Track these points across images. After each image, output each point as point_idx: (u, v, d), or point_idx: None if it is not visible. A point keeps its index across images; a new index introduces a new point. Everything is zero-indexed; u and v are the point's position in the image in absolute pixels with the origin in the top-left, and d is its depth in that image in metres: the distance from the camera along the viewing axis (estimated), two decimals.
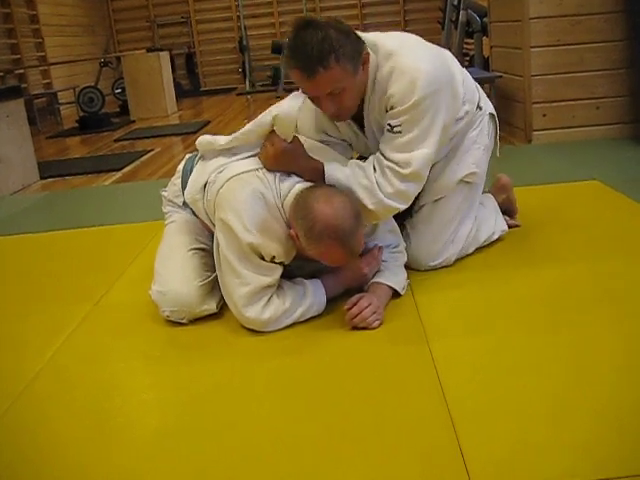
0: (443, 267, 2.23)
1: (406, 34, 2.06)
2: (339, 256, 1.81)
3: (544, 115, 4.09)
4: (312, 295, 1.94)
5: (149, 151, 5.43)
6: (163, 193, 2.32)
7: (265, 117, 1.93)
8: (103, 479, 1.40)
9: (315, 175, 1.90)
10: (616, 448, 1.31)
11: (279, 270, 1.92)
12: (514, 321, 1.87)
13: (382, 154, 1.92)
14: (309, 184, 1.87)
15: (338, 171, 1.92)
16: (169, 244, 2.16)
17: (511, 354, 1.70)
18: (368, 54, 1.87)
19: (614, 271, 2.12)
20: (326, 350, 1.81)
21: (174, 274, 2.04)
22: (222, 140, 2.05)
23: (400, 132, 1.87)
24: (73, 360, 1.94)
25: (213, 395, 1.67)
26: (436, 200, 2.20)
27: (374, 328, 1.85)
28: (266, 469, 1.37)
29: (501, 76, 4.31)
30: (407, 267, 2.15)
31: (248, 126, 1.99)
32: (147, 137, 6.27)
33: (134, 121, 7.56)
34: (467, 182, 2.21)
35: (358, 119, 2.03)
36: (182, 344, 1.95)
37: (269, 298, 1.89)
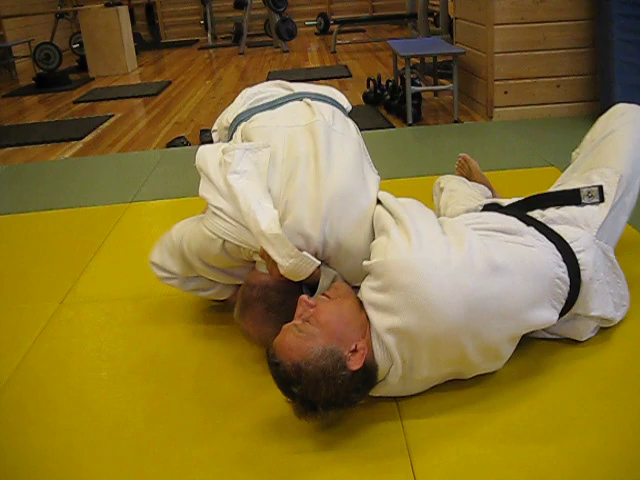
0: None
1: None
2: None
3: (505, 92, 4.13)
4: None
5: (110, 116, 5.34)
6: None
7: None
8: None
9: None
10: None
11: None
12: None
13: None
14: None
15: None
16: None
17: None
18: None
19: None
20: None
21: None
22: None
23: None
24: (41, 370, 1.95)
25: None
26: None
27: None
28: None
29: (465, 52, 4.31)
30: None
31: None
32: (107, 99, 6.15)
33: (93, 79, 7.38)
34: None
35: None
36: (155, 350, 1.99)
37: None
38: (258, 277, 1.78)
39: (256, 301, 1.74)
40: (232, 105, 2.15)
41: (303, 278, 1.72)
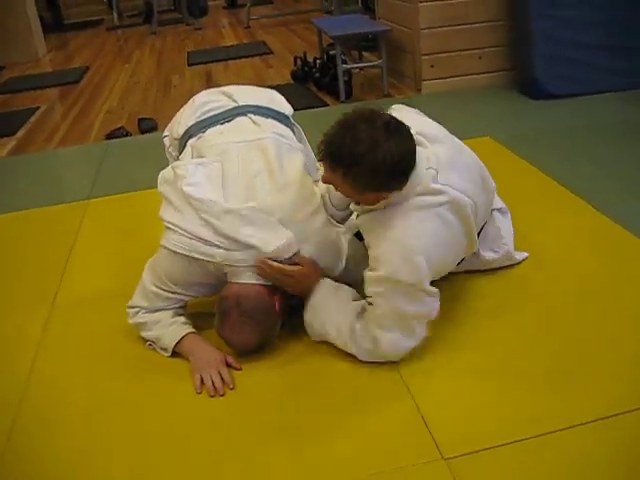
0: None
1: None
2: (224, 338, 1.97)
3: (432, 66, 4.36)
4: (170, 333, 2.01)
5: (36, 109, 5.25)
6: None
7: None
8: None
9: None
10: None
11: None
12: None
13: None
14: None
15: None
16: None
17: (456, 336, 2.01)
18: (386, 196, 1.77)
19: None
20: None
21: None
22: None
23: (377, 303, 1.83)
24: (55, 375, 2.03)
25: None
26: None
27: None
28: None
29: (391, 29, 4.50)
30: None
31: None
32: (27, 89, 6.00)
33: (4, 67, 7.15)
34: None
35: None
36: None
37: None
38: (229, 289, 1.93)
39: (230, 310, 1.89)
40: (182, 114, 2.30)
41: (287, 256, 1.89)
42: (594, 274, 2.20)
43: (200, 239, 1.88)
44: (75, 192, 3.41)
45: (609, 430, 1.59)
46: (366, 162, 1.66)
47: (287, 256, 1.89)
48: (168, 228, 1.93)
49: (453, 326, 2.00)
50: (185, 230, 1.89)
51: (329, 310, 1.92)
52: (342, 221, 2.07)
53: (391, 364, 1.86)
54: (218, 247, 1.87)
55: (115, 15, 9.71)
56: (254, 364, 1.95)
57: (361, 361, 1.88)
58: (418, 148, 1.79)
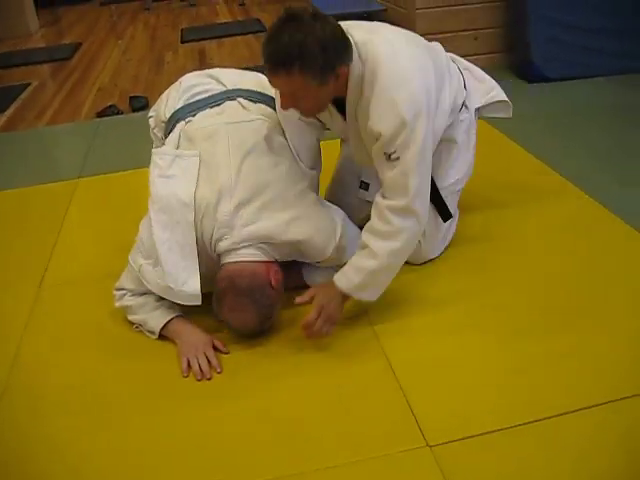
0: None
1: (397, 33, 2.05)
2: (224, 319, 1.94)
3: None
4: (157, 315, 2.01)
5: (27, 85, 5.19)
6: None
7: None
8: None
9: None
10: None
11: None
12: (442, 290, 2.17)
13: (381, 196, 1.90)
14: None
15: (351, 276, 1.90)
16: None
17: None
18: (346, 67, 1.82)
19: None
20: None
21: None
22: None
23: (398, 158, 1.83)
24: (41, 356, 2.02)
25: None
26: None
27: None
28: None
29: (385, 9, 4.46)
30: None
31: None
32: (18, 65, 5.92)
33: None
34: None
35: (339, 106, 2.00)
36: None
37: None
38: (223, 271, 1.91)
39: (226, 291, 1.88)
40: (168, 96, 2.27)
41: None
42: (583, 258, 2.20)
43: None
44: (65, 170, 3.38)
45: (607, 416, 1.58)
46: (312, 42, 1.70)
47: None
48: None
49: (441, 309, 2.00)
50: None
51: (362, 276, 1.88)
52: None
53: (377, 350, 1.86)
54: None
55: None
56: (241, 348, 1.95)
57: (348, 348, 1.88)
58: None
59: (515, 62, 4.20)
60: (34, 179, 3.28)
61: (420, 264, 2.22)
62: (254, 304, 1.88)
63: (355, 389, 1.76)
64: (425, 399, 1.69)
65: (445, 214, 2.21)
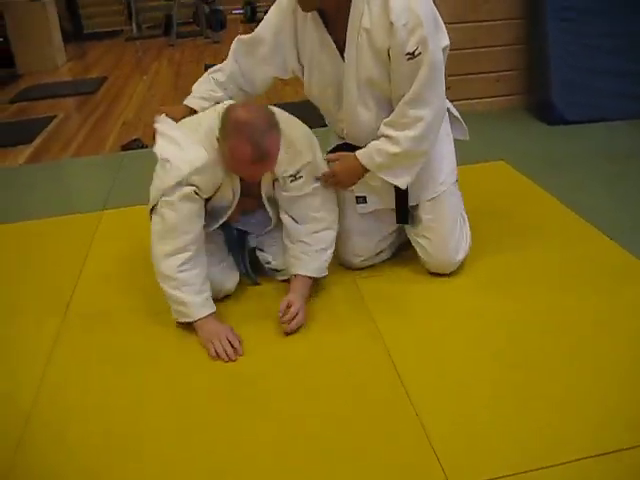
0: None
1: None
2: (247, 154, 1.97)
3: (448, 88, 4.35)
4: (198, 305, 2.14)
5: (53, 117, 5.29)
6: None
7: None
8: None
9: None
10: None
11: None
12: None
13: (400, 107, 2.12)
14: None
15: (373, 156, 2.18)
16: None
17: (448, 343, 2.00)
18: None
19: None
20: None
21: None
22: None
23: (420, 53, 2.06)
24: (64, 386, 2.03)
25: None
26: (432, 199, 2.35)
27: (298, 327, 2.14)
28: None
29: None
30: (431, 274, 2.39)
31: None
32: (44, 97, 6.05)
33: (21, 75, 7.22)
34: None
35: (339, 40, 2.16)
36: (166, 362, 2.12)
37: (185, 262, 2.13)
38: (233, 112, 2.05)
39: (237, 132, 1.99)
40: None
41: None
42: (600, 301, 2.21)
43: None
44: (90, 202, 3.42)
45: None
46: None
47: None
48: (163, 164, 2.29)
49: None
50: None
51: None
52: None
53: (392, 376, 1.86)
54: None
55: (134, 26, 9.80)
56: (255, 338, 2.11)
57: (363, 374, 1.89)
58: None
59: (535, 104, 4.25)
60: (59, 210, 3.33)
61: (449, 274, 2.36)
62: (269, 119, 2.03)
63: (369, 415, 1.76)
64: (444, 430, 1.69)
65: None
